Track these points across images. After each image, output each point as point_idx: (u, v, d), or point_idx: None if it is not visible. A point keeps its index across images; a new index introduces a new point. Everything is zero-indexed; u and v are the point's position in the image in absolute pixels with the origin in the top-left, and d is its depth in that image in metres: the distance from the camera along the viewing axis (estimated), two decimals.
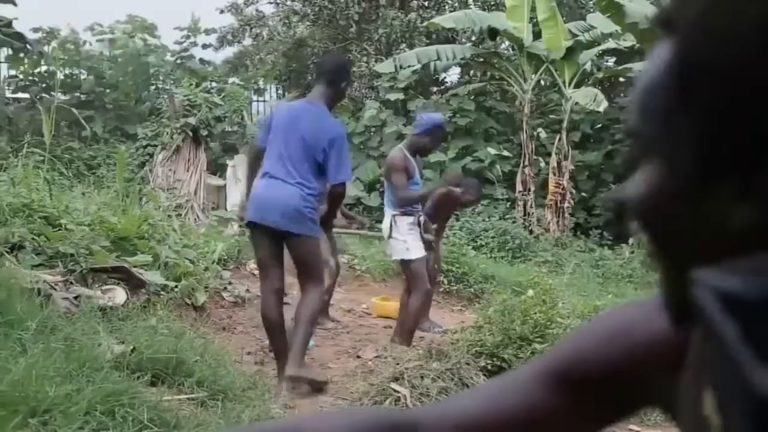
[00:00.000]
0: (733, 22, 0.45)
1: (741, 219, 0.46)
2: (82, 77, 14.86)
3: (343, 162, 4.39)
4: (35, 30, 14.54)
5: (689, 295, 0.48)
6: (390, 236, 5.86)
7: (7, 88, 14.15)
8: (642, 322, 0.67)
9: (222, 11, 17.92)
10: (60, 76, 14.28)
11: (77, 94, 14.61)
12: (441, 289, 8.29)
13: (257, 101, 16.95)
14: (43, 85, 14.10)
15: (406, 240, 5.81)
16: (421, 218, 5.93)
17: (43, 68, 14.10)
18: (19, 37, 11.89)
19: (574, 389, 0.70)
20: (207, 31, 16.47)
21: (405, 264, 5.89)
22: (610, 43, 12.43)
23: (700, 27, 0.46)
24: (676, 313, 0.54)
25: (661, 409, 0.67)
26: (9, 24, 11.46)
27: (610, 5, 10.52)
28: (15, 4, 11.48)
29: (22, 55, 13.14)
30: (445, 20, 12.67)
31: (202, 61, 16.04)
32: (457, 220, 11.07)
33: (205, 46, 16.84)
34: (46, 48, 14.29)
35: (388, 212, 5.92)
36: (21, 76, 14.20)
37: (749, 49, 0.44)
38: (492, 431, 0.72)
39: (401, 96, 14.14)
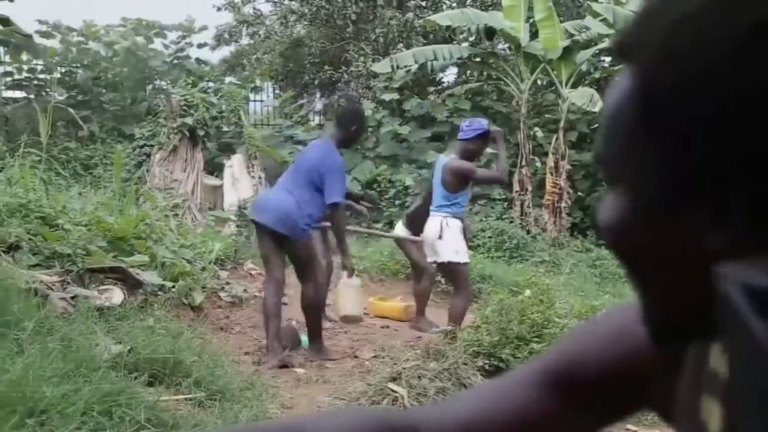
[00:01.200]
0: (693, 46, 0.44)
1: (713, 246, 0.45)
2: (78, 76, 14.82)
3: (335, 187, 5.26)
4: (41, 23, 14.48)
5: (668, 318, 0.48)
6: (439, 238, 5.94)
7: (3, 87, 14.10)
8: (639, 325, 0.67)
9: (219, 9, 17.92)
10: (57, 74, 14.22)
11: (74, 93, 14.57)
12: (438, 289, 8.30)
13: (254, 101, 16.94)
14: (39, 82, 14.06)
15: (456, 243, 5.95)
16: (467, 223, 6.09)
17: (40, 66, 14.02)
18: (20, 34, 11.82)
19: (573, 390, 0.70)
20: (200, 30, 16.43)
21: (453, 266, 5.97)
22: (607, 43, 12.44)
23: (660, 52, 0.46)
24: (655, 333, 0.54)
25: (657, 411, 0.67)
26: (7, 21, 11.40)
27: (596, 13, 10.62)
28: (11, 0, 11.45)
29: (23, 53, 13.04)
30: (442, 18, 12.67)
31: (198, 60, 16.00)
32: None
33: (200, 45, 16.82)
34: (48, 43, 14.21)
35: (438, 215, 6.01)
36: (16, 72, 14.11)
37: (711, 73, 0.43)
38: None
39: (396, 96, 14.15)
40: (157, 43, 15.62)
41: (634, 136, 0.49)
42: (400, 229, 7.23)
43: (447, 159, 6.17)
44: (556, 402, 0.70)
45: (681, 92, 0.45)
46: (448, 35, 14.50)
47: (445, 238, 5.96)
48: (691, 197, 0.46)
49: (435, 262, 6.23)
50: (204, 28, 16.60)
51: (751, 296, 0.40)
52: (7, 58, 13.89)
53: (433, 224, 6.05)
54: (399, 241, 7.31)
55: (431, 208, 6.17)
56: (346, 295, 6.32)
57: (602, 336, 0.69)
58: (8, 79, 14.19)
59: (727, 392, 0.44)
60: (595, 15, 10.79)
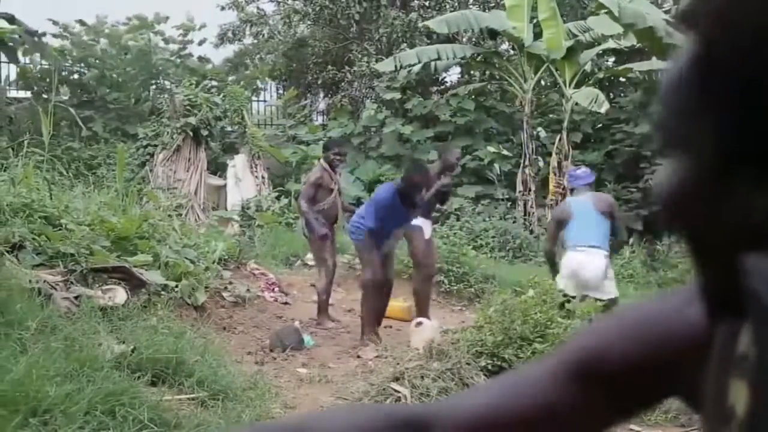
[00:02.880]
0: (755, 12, 0.46)
1: (762, 208, 0.47)
2: (85, 76, 14.83)
3: (370, 213, 6.45)
4: (54, 23, 14.48)
5: (724, 285, 0.49)
6: (605, 277, 5.89)
7: (8, 87, 14.11)
8: (661, 318, 0.67)
9: (223, 8, 17.93)
10: (64, 73, 14.22)
11: (79, 92, 14.59)
12: (441, 289, 8.30)
13: (257, 101, 16.95)
14: (44, 85, 14.07)
15: (612, 279, 6.04)
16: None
17: (46, 65, 14.01)
18: (26, 31, 11.80)
19: (595, 383, 0.70)
20: (201, 27, 16.41)
21: (614, 302, 5.86)
22: (610, 43, 12.43)
23: (722, 19, 0.47)
24: (711, 303, 0.54)
25: (684, 400, 0.68)
26: (12, 19, 11.39)
27: (601, 6, 10.59)
28: None
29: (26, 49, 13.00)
30: (439, 24, 12.53)
31: (200, 58, 16.01)
32: (458, 219, 11.07)
33: (201, 42, 16.81)
34: (58, 42, 14.21)
35: (602, 253, 5.85)
36: (27, 73, 14.12)
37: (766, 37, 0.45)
38: (508, 427, 0.71)
39: (399, 96, 14.14)
40: (160, 41, 15.63)
41: (692, 101, 0.50)
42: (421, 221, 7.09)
43: (593, 196, 6.14)
44: (578, 395, 0.70)
45: (737, 56, 0.46)
46: (451, 35, 14.49)
47: (609, 275, 5.94)
48: (744, 164, 0.47)
49: (599, 299, 5.85)
50: (204, 25, 16.61)
51: None
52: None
53: (599, 262, 5.84)
54: (412, 235, 7.14)
55: (588, 245, 5.85)
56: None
57: (622, 330, 0.70)
58: (13, 78, 14.20)
59: (754, 375, 0.44)
60: (600, 7, 10.69)
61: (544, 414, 0.71)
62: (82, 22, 14.86)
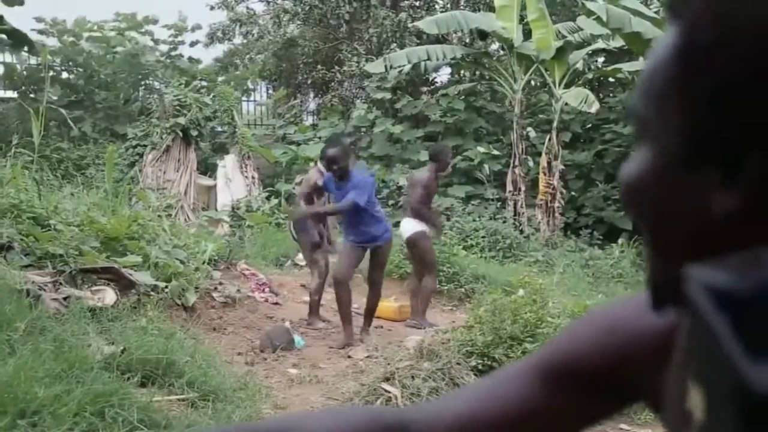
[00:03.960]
0: (733, 9, 0.46)
1: (722, 205, 0.47)
2: (73, 76, 14.74)
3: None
4: (38, 20, 14.36)
5: (671, 278, 0.49)
6: None
7: None
8: (632, 318, 0.67)
9: (213, 8, 17.89)
10: (51, 73, 14.13)
11: (67, 92, 14.50)
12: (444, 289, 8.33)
13: (247, 101, 16.91)
14: (32, 85, 13.98)
15: None
16: None
17: (35, 63, 13.91)
18: (15, 32, 11.72)
19: (567, 385, 0.70)
20: (194, 28, 16.35)
21: None
22: (600, 44, 12.48)
23: (703, 11, 0.48)
24: (656, 295, 0.54)
25: (647, 403, 0.68)
26: (0, 19, 11.32)
27: (590, 12, 10.65)
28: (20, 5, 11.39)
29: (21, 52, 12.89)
30: (429, 24, 12.57)
31: (190, 59, 15.95)
32: (448, 219, 11.08)
33: (193, 44, 16.76)
34: (44, 41, 14.11)
35: None
36: (14, 74, 14.02)
37: (752, 33, 0.45)
38: (486, 429, 0.72)
39: (389, 96, 14.15)
40: (149, 41, 15.56)
41: (667, 90, 0.51)
42: (415, 224, 7.15)
43: None
44: (551, 397, 0.71)
45: (716, 52, 0.47)
46: (441, 35, 14.51)
47: None
48: (709, 155, 0.48)
49: None
50: (198, 27, 16.56)
51: (711, 296, 0.41)
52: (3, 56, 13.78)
53: None
54: (420, 238, 7.20)
55: None
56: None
57: (595, 330, 0.70)
58: (1, 79, 14.11)
59: (696, 377, 0.45)
60: (589, 14, 10.81)
61: (521, 416, 0.71)
62: (63, 29, 14.71)
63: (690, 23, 0.49)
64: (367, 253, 6.48)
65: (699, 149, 0.48)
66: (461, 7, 15.45)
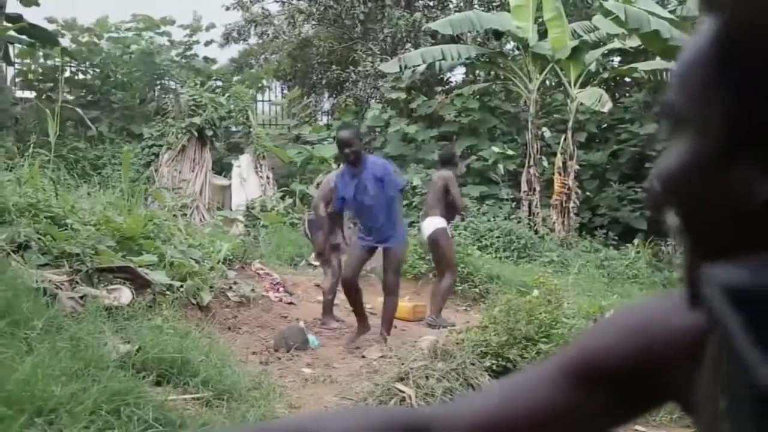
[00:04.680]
0: None
1: (764, 194, 0.47)
2: (89, 76, 14.83)
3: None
4: (50, 21, 14.45)
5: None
6: None
7: (14, 87, 14.13)
8: (661, 319, 0.67)
9: (228, 8, 17.96)
10: (66, 73, 14.22)
11: (83, 93, 14.61)
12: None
13: (262, 101, 16.96)
14: (50, 84, 14.08)
15: None
16: None
17: (52, 63, 13.99)
18: (34, 28, 11.80)
19: (593, 386, 0.69)
20: (208, 27, 16.42)
21: None
22: (616, 43, 12.40)
23: (741, 1, 0.47)
24: (692, 292, 0.54)
25: (680, 405, 0.67)
26: (19, 18, 11.42)
27: (608, 12, 10.59)
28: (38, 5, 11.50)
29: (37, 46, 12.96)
30: (443, 25, 12.55)
31: (206, 58, 16.01)
32: (462, 219, 11.07)
33: (207, 43, 16.84)
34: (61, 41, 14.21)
35: None
36: (30, 73, 14.12)
37: None
38: (508, 430, 0.71)
39: (404, 96, 14.14)
40: (165, 41, 15.63)
41: (707, 83, 0.50)
42: (436, 222, 7.19)
43: None
44: (577, 399, 0.70)
45: (756, 43, 0.46)
46: (456, 35, 14.49)
47: None
48: (750, 147, 0.47)
49: None
50: (212, 26, 16.62)
51: (726, 295, 0.41)
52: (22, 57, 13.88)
53: None
54: (442, 236, 7.25)
55: None
56: None
57: (623, 332, 0.69)
58: (19, 78, 14.22)
59: (723, 380, 0.45)
60: (607, 14, 10.74)
61: (545, 417, 0.71)
62: (82, 28, 14.79)
63: (729, 14, 0.49)
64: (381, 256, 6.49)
65: (741, 139, 0.48)
66: (475, 7, 15.41)
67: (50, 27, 14.14)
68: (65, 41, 14.29)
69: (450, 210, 7.26)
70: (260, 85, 16.25)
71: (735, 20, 0.48)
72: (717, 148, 0.50)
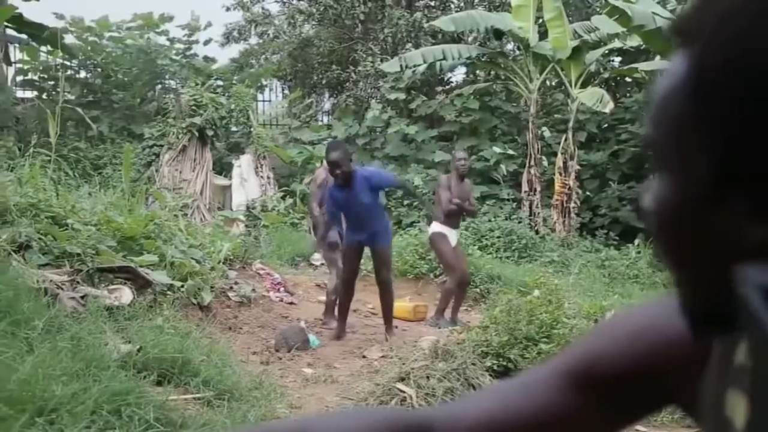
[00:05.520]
0: (748, 32, 0.44)
1: (754, 237, 0.45)
2: (90, 75, 14.82)
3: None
4: (58, 16, 14.42)
5: (709, 301, 0.48)
6: None
7: (15, 86, 14.13)
8: (663, 322, 0.66)
9: (228, 8, 17.95)
10: (68, 72, 14.20)
11: (84, 92, 14.60)
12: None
13: (262, 101, 16.95)
14: (51, 82, 14.07)
15: None
16: None
17: (55, 61, 13.94)
18: (36, 26, 11.77)
19: (594, 389, 0.69)
20: (206, 27, 16.41)
21: None
22: (616, 43, 12.40)
23: (716, 36, 0.46)
24: (694, 322, 0.53)
25: (682, 409, 0.67)
26: (20, 17, 11.40)
27: (615, 10, 10.56)
28: None
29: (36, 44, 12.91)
30: (446, 23, 12.58)
31: (206, 58, 16.00)
32: (463, 220, 11.07)
33: (206, 42, 16.80)
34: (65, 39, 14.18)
35: None
36: (29, 71, 14.09)
37: (762, 61, 0.43)
38: (509, 431, 0.71)
39: (404, 96, 14.14)
40: (165, 41, 15.61)
41: (684, 120, 0.49)
42: (435, 226, 7.28)
43: None
44: (578, 401, 0.70)
45: (732, 77, 0.45)
46: (456, 35, 14.48)
47: None
48: (735, 186, 0.46)
49: None
50: (210, 24, 16.59)
51: (765, 295, 0.40)
52: (23, 55, 13.84)
53: None
54: (435, 239, 7.32)
55: None
56: None
57: (622, 334, 0.69)
58: (20, 77, 14.22)
59: (751, 386, 0.44)
60: (612, 13, 10.70)
61: (546, 419, 0.71)
62: (85, 27, 14.74)
63: (703, 48, 0.47)
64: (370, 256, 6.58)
65: (725, 178, 0.46)
66: (476, 7, 15.41)
67: (58, 23, 14.13)
68: (70, 38, 14.25)
69: (446, 214, 7.27)
70: (260, 86, 16.24)
71: (709, 52, 0.46)
72: (699, 187, 0.48)
